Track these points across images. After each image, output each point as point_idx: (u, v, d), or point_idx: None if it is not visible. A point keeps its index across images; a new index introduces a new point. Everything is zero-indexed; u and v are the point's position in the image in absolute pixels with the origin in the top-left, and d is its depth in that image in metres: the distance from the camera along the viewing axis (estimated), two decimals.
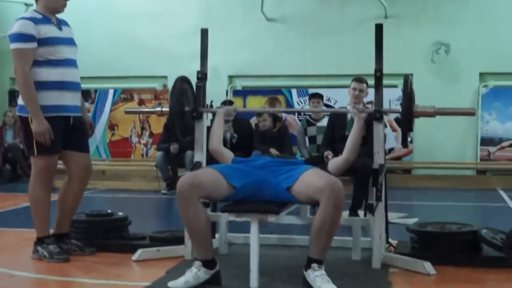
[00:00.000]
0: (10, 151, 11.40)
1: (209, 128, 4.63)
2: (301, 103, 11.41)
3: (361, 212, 5.90)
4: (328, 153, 6.15)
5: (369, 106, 5.76)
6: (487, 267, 4.29)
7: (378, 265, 4.30)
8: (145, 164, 11.62)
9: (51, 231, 4.77)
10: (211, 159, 4.57)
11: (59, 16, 4.73)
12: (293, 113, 11.49)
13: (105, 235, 5.01)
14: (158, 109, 4.77)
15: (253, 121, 9.01)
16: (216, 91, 9.60)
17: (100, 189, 10.32)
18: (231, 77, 12.01)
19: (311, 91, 9.95)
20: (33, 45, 4.46)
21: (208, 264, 3.81)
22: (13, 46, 4.46)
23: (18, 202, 8.14)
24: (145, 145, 12.30)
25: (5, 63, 11.39)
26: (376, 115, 4.37)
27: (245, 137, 8.64)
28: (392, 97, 10.70)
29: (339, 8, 11.54)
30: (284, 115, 9.80)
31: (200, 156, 4.67)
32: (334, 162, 4.26)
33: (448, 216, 6.75)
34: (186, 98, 4.62)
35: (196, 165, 4.56)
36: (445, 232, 4.61)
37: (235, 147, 8.58)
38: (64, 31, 4.68)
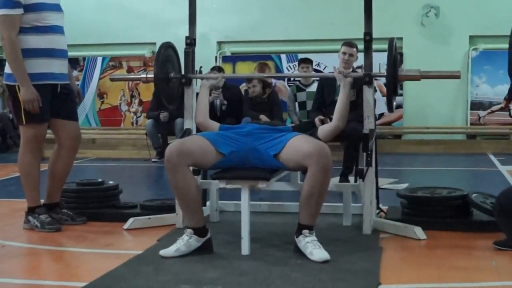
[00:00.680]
0: None
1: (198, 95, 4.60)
2: (291, 68, 11.37)
3: (351, 178, 5.91)
4: (319, 118, 6.14)
5: (359, 71, 5.75)
6: (478, 231, 4.31)
7: (369, 231, 4.31)
8: (135, 132, 11.59)
9: (42, 201, 4.76)
10: None
11: None
12: (282, 78, 11.44)
13: (96, 204, 5.01)
14: (143, 75, 4.71)
15: (243, 87, 8.97)
16: (205, 58, 9.57)
17: (90, 158, 10.30)
18: (220, 43, 11.95)
19: (300, 56, 9.91)
20: (20, 11, 4.38)
21: (199, 231, 3.82)
22: None
23: (8, 172, 8.11)
24: (135, 113, 12.25)
25: None
26: (365, 79, 4.35)
27: (235, 103, 8.63)
28: (382, 61, 10.49)
29: None
30: (273, 81, 9.76)
31: (190, 123, 4.64)
32: (324, 129, 4.24)
33: (438, 181, 6.77)
34: (171, 65, 4.58)
35: (186, 132, 4.54)
36: (435, 197, 4.62)
37: (225, 114, 8.59)
38: None
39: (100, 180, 5.35)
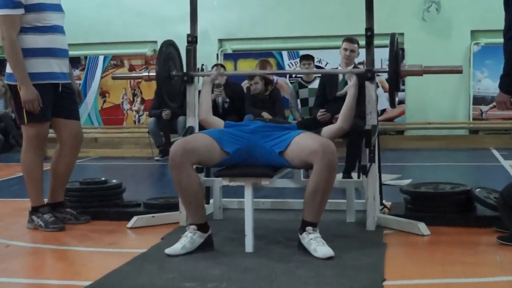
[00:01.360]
0: (1, 121, 11.29)
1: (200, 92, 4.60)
2: (292, 65, 11.36)
3: (354, 174, 5.91)
4: (320, 111, 6.13)
5: (361, 66, 5.74)
6: (481, 226, 4.30)
7: (373, 227, 4.31)
8: (137, 131, 11.59)
9: (46, 200, 4.77)
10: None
11: None
12: (283, 75, 11.43)
13: (99, 203, 5.01)
14: (145, 73, 4.71)
15: (245, 84, 8.96)
16: (206, 55, 9.55)
17: (93, 157, 10.30)
18: (221, 41, 11.93)
19: (301, 53, 9.90)
20: (21, 11, 4.38)
21: (202, 227, 3.83)
22: (0, 12, 4.39)
23: (12, 172, 8.11)
24: (137, 111, 12.25)
25: None
26: (367, 75, 4.34)
27: (237, 101, 8.62)
28: (384, 57, 10.53)
29: None
30: (275, 77, 9.75)
31: (192, 121, 4.64)
32: (328, 129, 4.22)
33: (441, 176, 6.76)
34: (173, 63, 4.58)
35: (189, 130, 4.53)
36: (438, 192, 4.62)
37: (227, 111, 8.58)
38: None
39: (103, 179, 5.35)
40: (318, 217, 3.76)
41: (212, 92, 4.68)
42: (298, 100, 8.44)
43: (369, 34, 4.32)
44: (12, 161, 9.45)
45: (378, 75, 5.34)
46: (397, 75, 4.23)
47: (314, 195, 3.68)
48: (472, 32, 11.06)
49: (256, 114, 7.36)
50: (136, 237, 4.46)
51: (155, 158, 9.59)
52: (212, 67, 8.09)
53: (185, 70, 4.66)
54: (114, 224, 4.72)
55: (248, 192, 3.79)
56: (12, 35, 4.37)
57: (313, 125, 4.31)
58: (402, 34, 10.59)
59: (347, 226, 4.53)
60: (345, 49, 6.24)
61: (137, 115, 12.27)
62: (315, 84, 7.67)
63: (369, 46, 4.34)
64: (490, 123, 11.02)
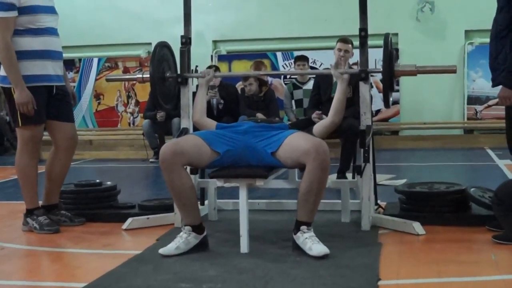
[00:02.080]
0: None
1: (194, 94, 4.60)
2: (287, 66, 11.36)
3: (349, 175, 5.92)
4: (316, 112, 6.13)
5: (355, 67, 5.75)
6: (476, 225, 4.30)
7: (368, 227, 4.31)
8: (132, 133, 11.59)
9: (40, 202, 4.76)
10: None
11: None
12: (278, 76, 11.43)
13: (94, 205, 5.01)
14: (139, 75, 4.70)
15: (239, 86, 8.97)
16: (200, 57, 9.56)
17: (88, 159, 10.30)
18: (215, 42, 11.94)
19: (296, 54, 9.91)
20: (14, 13, 4.37)
21: (197, 229, 3.83)
22: None
23: (7, 175, 8.10)
24: (132, 113, 12.24)
25: None
26: (361, 75, 4.34)
27: (231, 102, 8.63)
28: (378, 57, 10.54)
29: None
30: (270, 79, 9.75)
31: (186, 122, 4.64)
32: (320, 125, 4.22)
33: (436, 176, 6.78)
34: (167, 64, 4.58)
35: (183, 132, 4.54)
36: (433, 192, 4.62)
37: (222, 113, 8.58)
38: None
39: (98, 181, 5.34)
40: (312, 217, 3.76)
41: (207, 93, 4.67)
42: (293, 101, 8.45)
43: (363, 34, 4.33)
44: (7, 163, 9.44)
45: (372, 76, 5.35)
46: (391, 75, 4.24)
47: (307, 195, 3.68)
48: (466, 32, 11.08)
49: (251, 115, 7.38)
50: (131, 239, 4.45)
51: (150, 160, 9.58)
52: (207, 68, 8.12)
53: (179, 72, 4.66)
54: (109, 226, 4.71)
55: (243, 193, 3.78)
56: (6, 38, 4.36)
57: (307, 126, 4.29)
58: (396, 34, 10.62)
59: (342, 226, 4.53)
60: (339, 50, 6.24)
61: (131, 117, 12.26)
62: (310, 85, 7.69)
63: (363, 47, 4.35)
64: (485, 123, 11.03)
